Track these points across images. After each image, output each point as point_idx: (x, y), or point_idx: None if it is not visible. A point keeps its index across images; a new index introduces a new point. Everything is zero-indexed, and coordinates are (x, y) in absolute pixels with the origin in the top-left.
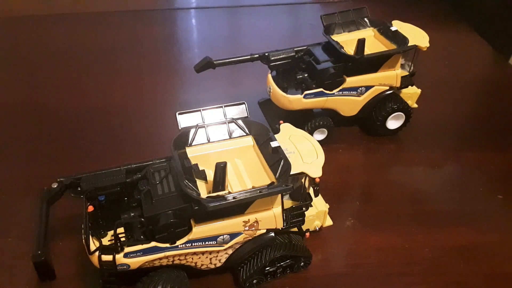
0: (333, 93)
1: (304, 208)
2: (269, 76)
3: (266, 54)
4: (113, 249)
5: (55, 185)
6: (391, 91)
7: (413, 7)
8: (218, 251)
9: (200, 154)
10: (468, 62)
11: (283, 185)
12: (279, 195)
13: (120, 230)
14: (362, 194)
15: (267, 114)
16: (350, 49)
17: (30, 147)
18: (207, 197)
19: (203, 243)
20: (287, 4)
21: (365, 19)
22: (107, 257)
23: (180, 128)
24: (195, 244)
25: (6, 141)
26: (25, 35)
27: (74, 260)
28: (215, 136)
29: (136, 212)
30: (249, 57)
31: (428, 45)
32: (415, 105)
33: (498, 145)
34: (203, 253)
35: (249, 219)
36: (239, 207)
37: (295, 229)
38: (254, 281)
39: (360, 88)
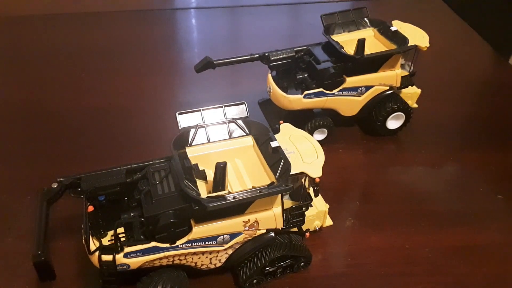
0: (333, 93)
1: (304, 208)
2: (269, 76)
3: (266, 54)
4: (113, 249)
5: (55, 185)
6: (391, 91)
7: (413, 7)
8: (218, 251)
9: (200, 154)
10: (468, 62)
11: (283, 185)
12: (279, 195)
13: (120, 230)
14: (362, 194)
15: (267, 114)
16: (350, 49)
17: (30, 147)
18: (207, 197)
19: (203, 243)
20: (287, 4)
21: (365, 19)
22: (107, 257)
23: (180, 128)
24: (195, 244)
25: (6, 141)
26: (25, 35)
27: (74, 260)
28: (215, 136)
29: (136, 212)
30: (249, 57)
31: (428, 45)
32: (415, 105)
33: (498, 145)
34: (203, 253)
35: (249, 219)
36: (239, 207)
37: (295, 229)
38: (254, 281)
39: (360, 88)
